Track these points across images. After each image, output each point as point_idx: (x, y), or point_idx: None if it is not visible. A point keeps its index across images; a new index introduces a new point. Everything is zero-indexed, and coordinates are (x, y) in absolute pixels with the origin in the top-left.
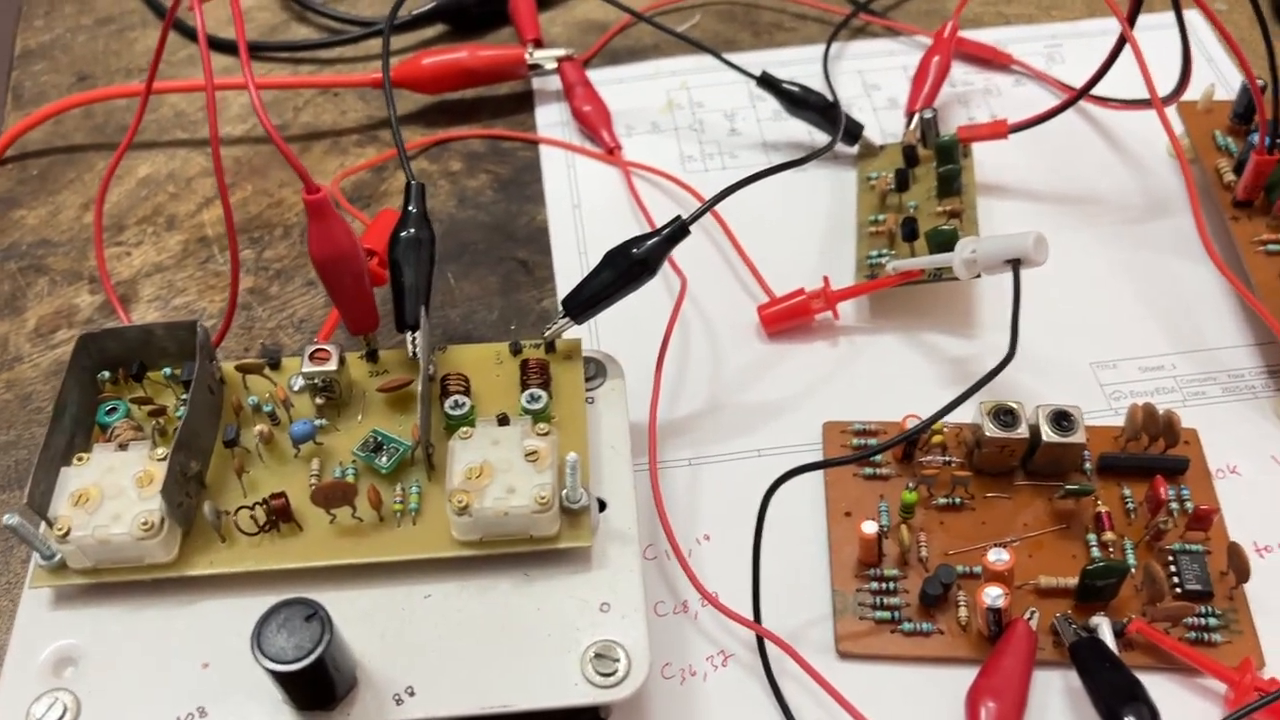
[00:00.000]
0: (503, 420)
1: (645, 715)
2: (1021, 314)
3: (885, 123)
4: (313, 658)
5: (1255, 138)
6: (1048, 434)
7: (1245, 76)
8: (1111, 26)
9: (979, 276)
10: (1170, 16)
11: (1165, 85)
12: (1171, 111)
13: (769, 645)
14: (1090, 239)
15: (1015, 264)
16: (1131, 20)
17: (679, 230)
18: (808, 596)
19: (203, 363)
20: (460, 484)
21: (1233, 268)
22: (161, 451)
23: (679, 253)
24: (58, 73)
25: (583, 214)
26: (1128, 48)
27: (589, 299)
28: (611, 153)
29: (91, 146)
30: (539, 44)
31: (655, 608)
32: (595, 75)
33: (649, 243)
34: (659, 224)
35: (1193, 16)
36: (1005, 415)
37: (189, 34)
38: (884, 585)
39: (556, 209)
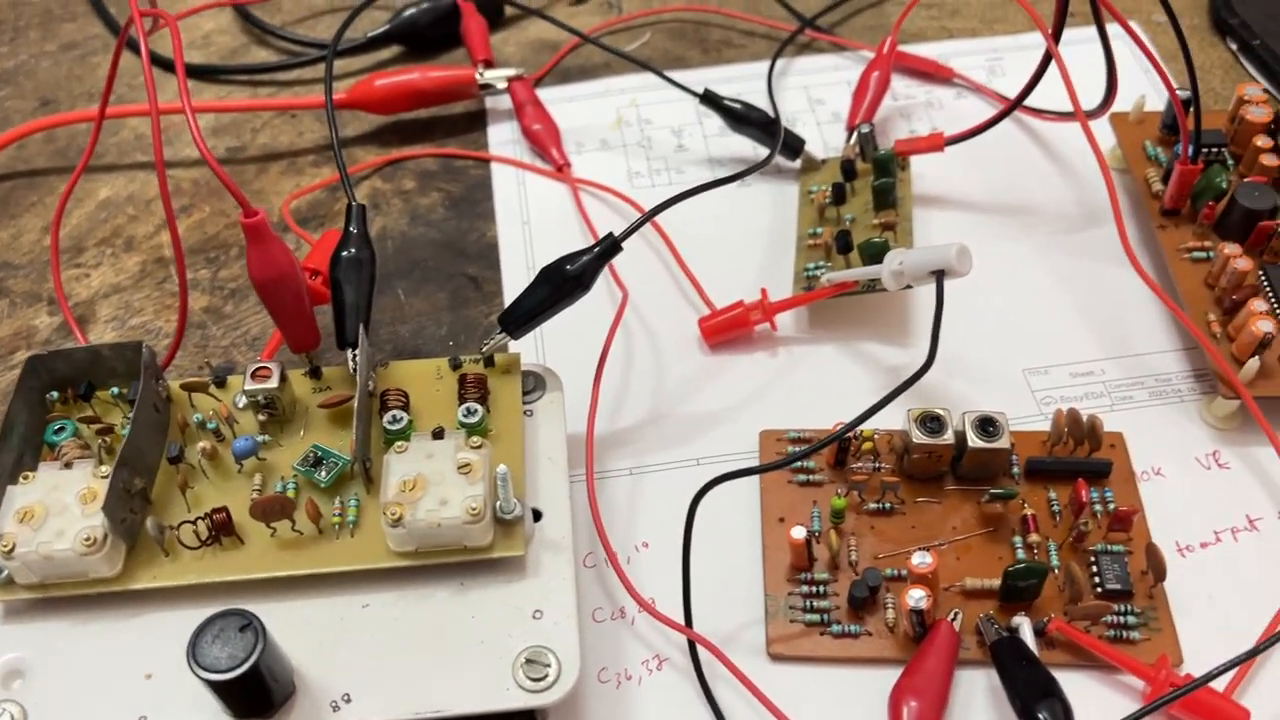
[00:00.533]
0: (437, 434)
1: (581, 718)
2: (955, 323)
3: (829, 137)
4: (246, 667)
5: (1180, 148)
6: (973, 440)
7: (1166, 90)
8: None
9: (909, 287)
10: (1109, 28)
11: (1099, 96)
12: (1103, 122)
13: (701, 649)
14: (1025, 248)
15: (940, 275)
16: (1056, 37)
17: (611, 247)
18: (742, 600)
19: (147, 382)
20: (394, 496)
21: (1160, 275)
22: (105, 469)
23: (622, 266)
24: (22, 98)
25: (532, 230)
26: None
27: (525, 315)
28: (560, 170)
29: (53, 170)
30: (490, 64)
31: (594, 614)
32: (546, 94)
33: (582, 259)
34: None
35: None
36: (932, 422)
37: (155, 60)
38: (814, 589)
39: (506, 225)
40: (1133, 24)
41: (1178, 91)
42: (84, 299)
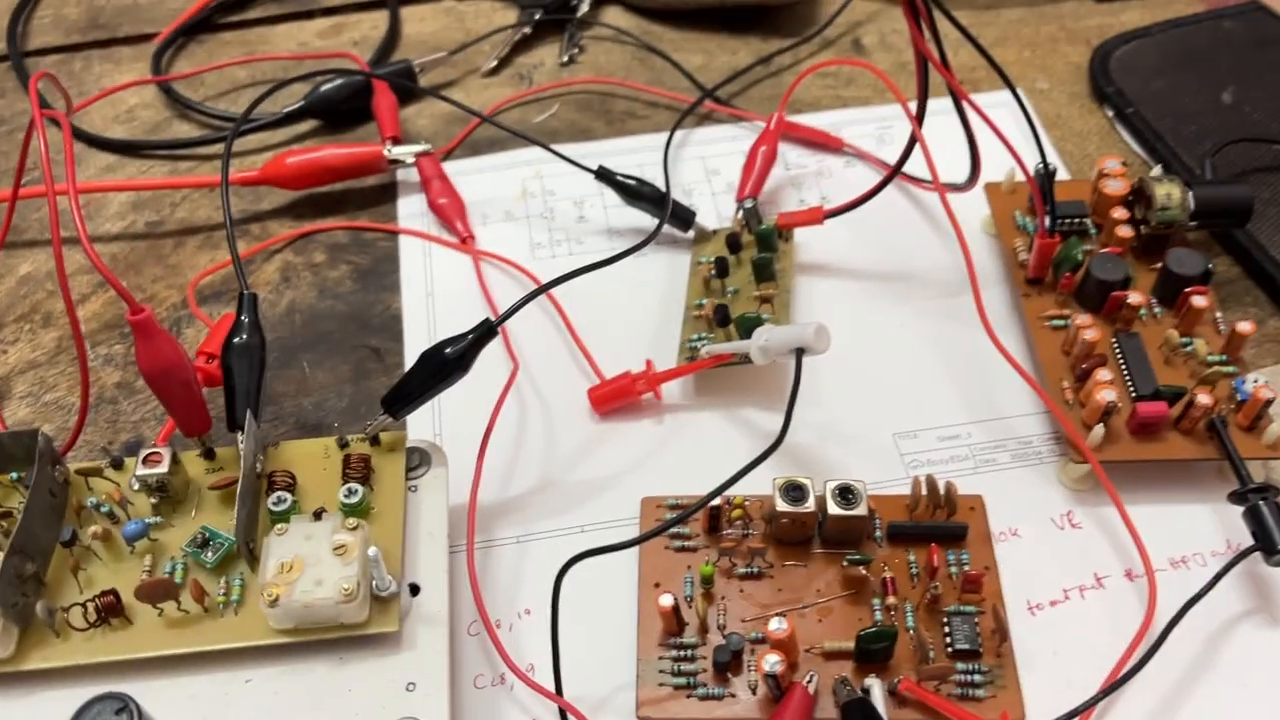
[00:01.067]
0: (318, 515)
1: None
2: (834, 388)
3: (723, 207)
4: None
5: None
6: (833, 508)
7: (1018, 166)
8: (941, 107)
9: (775, 361)
10: (987, 97)
11: (987, 164)
12: (977, 193)
13: (569, 716)
14: (902, 314)
15: (799, 352)
16: (920, 115)
17: (487, 332)
18: (616, 665)
19: (42, 469)
20: (272, 578)
21: (1025, 341)
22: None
23: (516, 336)
24: None
25: (435, 302)
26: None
27: (406, 396)
28: (465, 242)
29: None
30: (398, 140)
31: (474, 680)
32: (455, 166)
33: (460, 344)
34: (497, 312)
35: (1008, 97)
36: (794, 490)
37: (79, 136)
38: (683, 652)
39: (411, 297)
40: (1009, 95)
41: (1036, 168)
42: (1, 375)
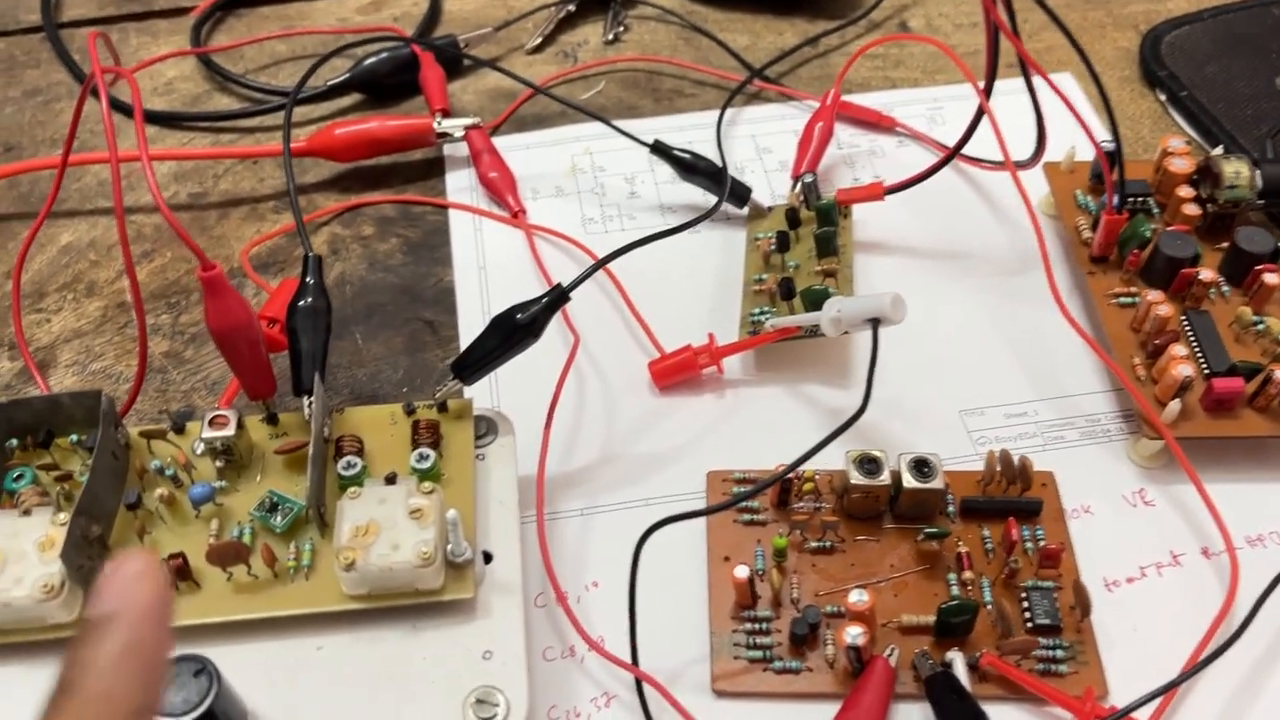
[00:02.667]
0: (390, 480)
1: None
2: (896, 365)
3: (776, 185)
4: (200, 710)
5: (1107, 198)
6: (908, 480)
7: (1091, 143)
8: (998, 89)
9: (847, 333)
10: (1039, 80)
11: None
12: (1036, 172)
13: (647, 686)
14: (962, 292)
15: (875, 322)
16: (988, 91)
17: (559, 297)
18: (688, 638)
19: (106, 430)
20: (347, 541)
21: (1090, 319)
22: (64, 516)
23: (575, 310)
24: None
25: (488, 275)
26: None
27: (477, 362)
28: (516, 216)
29: (16, 216)
30: (447, 113)
31: (544, 653)
32: (502, 141)
33: (532, 309)
34: (556, 284)
35: (1063, 79)
36: (869, 464)
37: (114, 105)
38: (757, 626)
39: (463, 271)
40: (1068, 75)
41: (1103, 144)
42: (45, 344)
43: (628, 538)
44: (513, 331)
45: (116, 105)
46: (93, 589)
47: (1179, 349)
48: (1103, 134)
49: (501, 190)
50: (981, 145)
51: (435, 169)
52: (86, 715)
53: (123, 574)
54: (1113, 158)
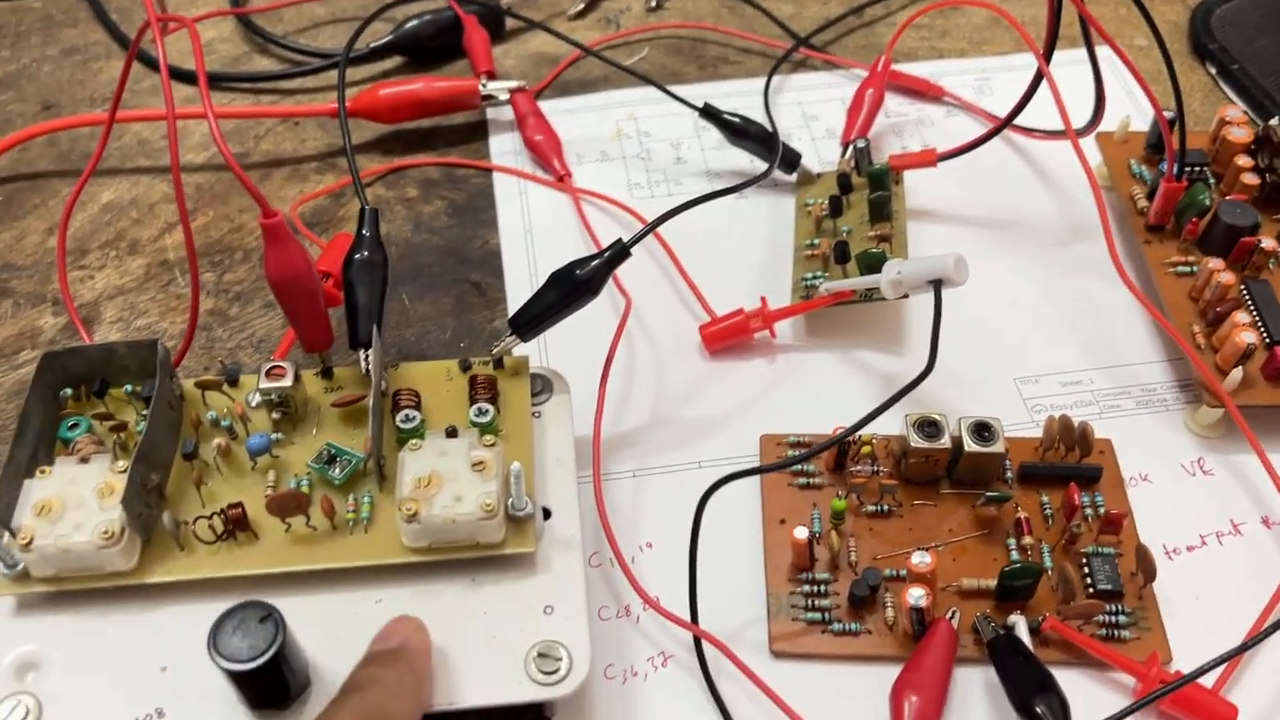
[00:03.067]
0: (451, 433)
1: (589, 714)
2: (949, 333)
3: (823, 151)
4: (266, 658)
5: (1165, 166)
6: (969, 444)
7: (1154, 110)
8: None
9: (905, 296)
10: (1111, 43)
11: (1085, 116)
12: (1090, 141)
13: (706, 646)
14: (1015, 261)
15: (937, 284)
16: (1048, 57)
17: (620, 252)
18: (744, 599)
19: (163, 380)
20: (409, 493)
21: (1145, 289)
22: (122, 464)
23: (625, 274)
24: (23, 101)
25: (534, 238)
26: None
27: (535, 318)
28: (562, 180)
29: (55, 173)
30: (492, 76)
31: (599, 612)
32: (546, 106)
33: (591, 264)
34: (603, 247)
35: (1112, 52)
36: (929, 427)
37: (152, 65)
38: (815, 588)
39: (508, 233)
40: (1152, 19)
41: (1163, 112)
42: (88, 300)
43: (681, 499)
44: (572, 287)
45: (157, 65)
46: (381, 630)
47: (1241, 316)
48: (1150, 105)
49: (547, 154)
50: (1031, 117)
51: (478, 133)
52: (377, 708)
53: (407, 623)
54: (1172, 125)
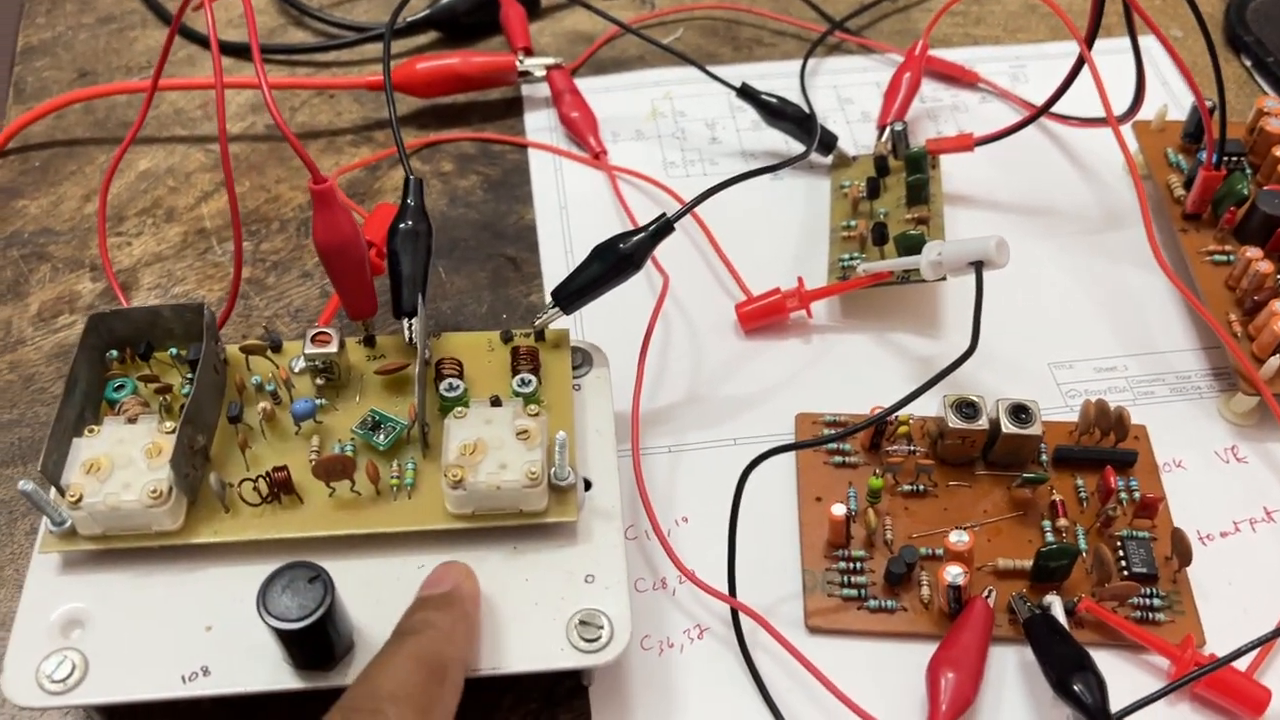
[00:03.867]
0: (495, 402)
1: (625, 684)
2: (985, 317)
3: (858, 135)
4: (315, 617)
5: (1204, 155)
6: (1007, 426)
7: (1195, 98)
8: (1073, 49)
9: (944, 279)
10: (1125, 42)
11: (1119, 105)
12: (1126, 130)
13: (743, 619)
14: (1050, 248)
15: (978, 265)
16: (1090, 42)
17: (664, 227)
18: (779, 576)
19: (209, 343)
20: (455, 459)
21: (1182, 277)
22: (169, 425)
23: (661, 253)
24: (59, 69)
25: (569, 214)
26: (1086, 69)
27: (577, 290)
28: (597, 157)
29: (92, 140)
30: (529, 52)
31: (635, 584)
32: (582, 84)
33: (635, 238)
34: (642, 224)
35: (1148, 42)
36: (967, 408)
37: (188, 35)
38: (851, 565)
39: (544, 209)
40: (1151, 39)
41: (1204, 101)
42: (126, 266)
43: (716, 475)
44: (616, 261)
45: (193, 35)
46: (430, 575)
47: (1278, 305)
48: (1186, 95)
49: (583, 131)
50: (1065, 105)
51: (513, 109)
52: (433, 651)
53: (456, 568)
54: (1212, 114)
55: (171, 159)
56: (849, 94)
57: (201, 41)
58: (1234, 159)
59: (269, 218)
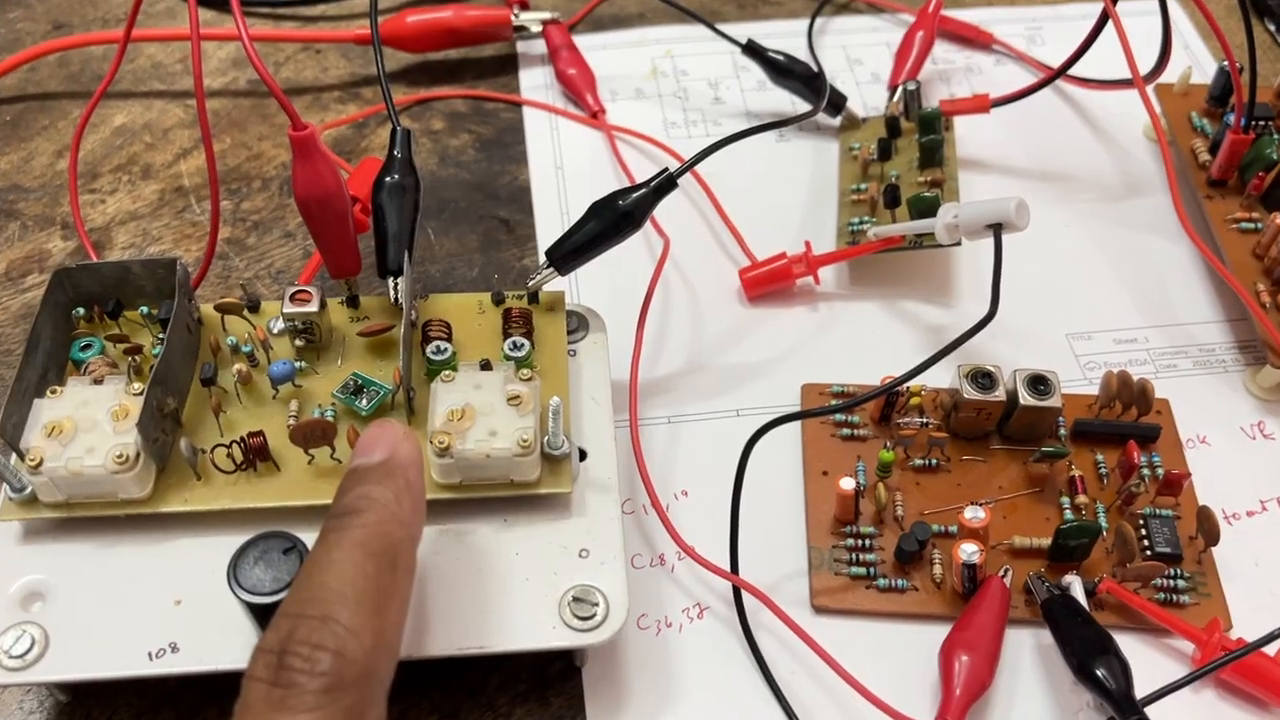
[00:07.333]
0: (485, 365)
1: (621, 664)
2: (1001, 283)
3: (868, 96)
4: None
5: (1231, 118)
6: (1024, 398)
7: (1226, 58)
8: (1090, 11)
9: (959, 243)
10: (1145, 4)
11: (1143, 68)
12: (1149, 93)
13: (746, 597)
14: (1068, 214)
15: (997, 228)
16: None
17: (666, 182)
18: (783, 553)
19: (181, 300)
20: (442, 425)
21: (1207, 245)
22: (138, 387)
23: (662, 214)
24: (33, 21)
25: (565, 175)
26: (1107, 29)
27: (573, 250)
28: (595, 116)
29: (66, 94)
30: (525, 6)
31: (632, 560)
32: (580, 40)
33: (635, 194)
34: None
35: (1172, 3)
36: (983, 378)
37: None
38: (860, 542)
39: (539, 169)
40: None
41: (1235, 62)
42: (99, 225)
43: (717, 448)
44: (615, 219)
45: None
46: (360, 440)
47: None
48: (1208, 59)
49: (580, 88)
50: (1084, 67)
51: (508, 66)
52: (379, 534)
53: (391, 431)
54: (1241, 75)
55: (149, 114)
56: (858, 54)
57: None
58: (1262, 123)
59: (250, 176)
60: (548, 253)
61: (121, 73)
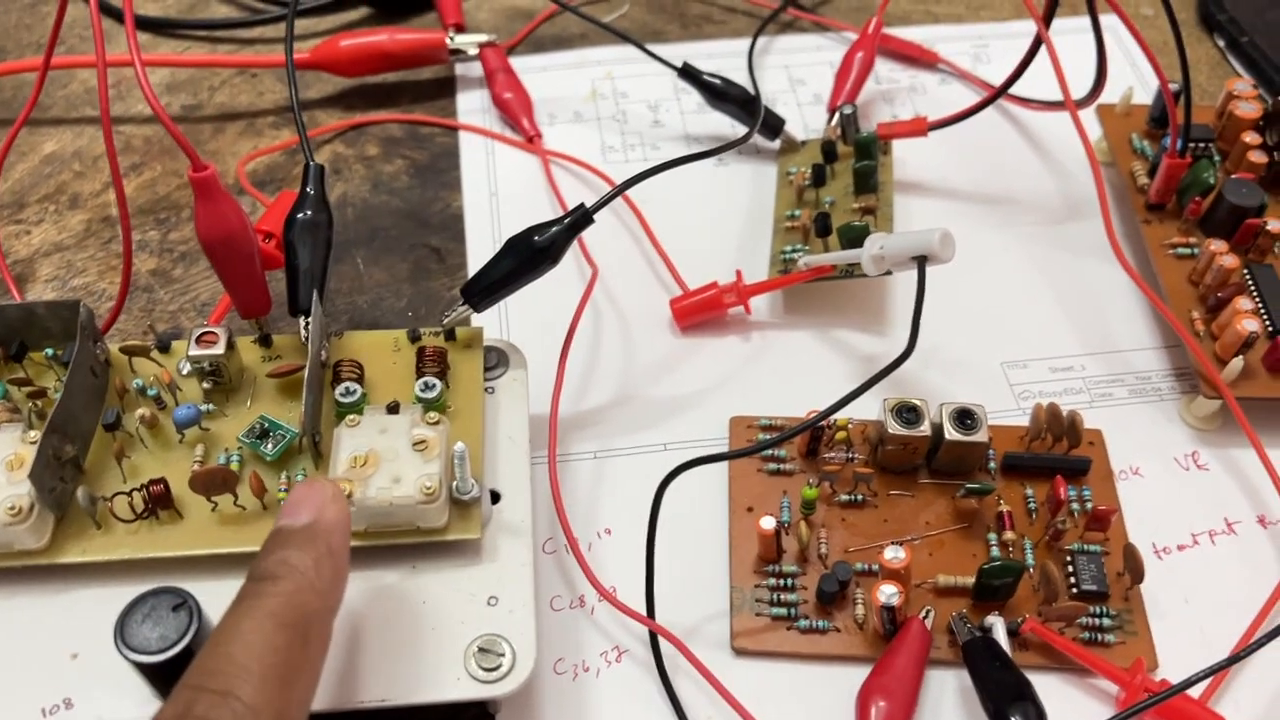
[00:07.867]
0: (392, 408)
1: (535, 711)
2: (933, 313)
3: (809, 118)
4: (178, 649)
5: (1168, 141)
6: (950, 432)
7: (1159, 81)
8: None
9: (889, 273)
10: (1117, 8)
11: (1084, 87)
12: (1089, 114)
13: (663, 642)
14: (1007, 239)
15: (921, 261)
16: (1047, 21)
17: (582, 218)
18: (707, 592)
19: (84, 343)
20: (345, 472)
21: (1143, 271)
22: (34, 434)
23: (593, 242)
24: None
25: (499, 201)
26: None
27: (489, 287)
28: (531, 140)
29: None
30: (461, 29)
31: (551, 602)
32: (519, 63)
33: (551, 230)
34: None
35: (1114, 21)
36: (908, 412)
37: (105, 10)
38: (782, 581)
39: (473, 196)
40: (1114, 18)
41: (1168, 85)
42: (23, 257)
43: (643, 484)
44: (530, 255)
45: (106, 9)
46: (287, 500)
47: (1244, 302)
48: (1155, 78)
49: (516, 113)
50: (1030, 87)
51: (445, 89)
52: (294, 604)
53: (319, 491)
54: (1177, 98)
55: (80, 141)
56: (801, 75)
57: (115, 14)
58: (1201, 145)
59: (180, 204)
60: (463, 290)
61: (54, 99)
